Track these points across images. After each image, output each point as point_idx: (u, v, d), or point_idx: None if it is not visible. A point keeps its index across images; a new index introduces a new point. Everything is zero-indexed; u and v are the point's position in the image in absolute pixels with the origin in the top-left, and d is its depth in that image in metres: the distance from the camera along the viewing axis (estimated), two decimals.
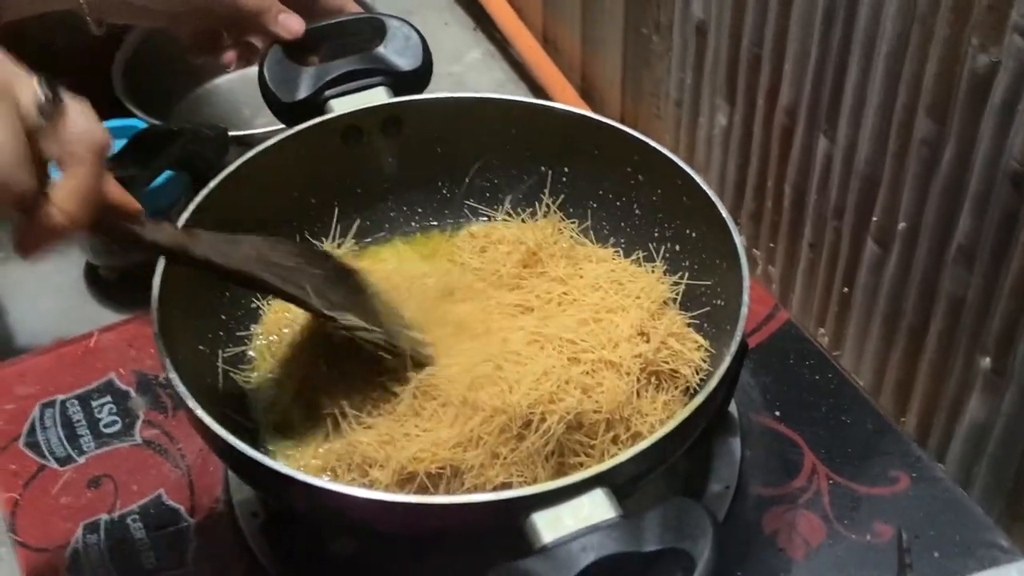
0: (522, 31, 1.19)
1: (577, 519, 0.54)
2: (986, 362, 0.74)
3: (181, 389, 0.59)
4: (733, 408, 0.76)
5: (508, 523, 0.55)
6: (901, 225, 0.78)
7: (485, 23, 1.25)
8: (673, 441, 0.59)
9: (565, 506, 0.55)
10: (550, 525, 0.54)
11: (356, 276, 0.69)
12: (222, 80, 1.13)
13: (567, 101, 1.12)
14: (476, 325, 0.69)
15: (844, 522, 0.71)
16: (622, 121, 1.10)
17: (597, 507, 0.55)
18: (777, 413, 0.77)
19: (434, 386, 0.64)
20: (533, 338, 0.67)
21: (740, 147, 0.93)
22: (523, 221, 0.78)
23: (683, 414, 0.59)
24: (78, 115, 0.55)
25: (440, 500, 0.57)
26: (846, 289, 0.85)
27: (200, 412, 0.59)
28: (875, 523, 0.71)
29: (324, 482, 0.57)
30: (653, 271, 0.74)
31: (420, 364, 0.66)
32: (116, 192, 0.59)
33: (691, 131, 0.99)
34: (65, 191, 0.55)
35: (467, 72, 1.23)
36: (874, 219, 0.80)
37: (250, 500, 0.72)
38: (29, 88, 0.54)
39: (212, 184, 0.71)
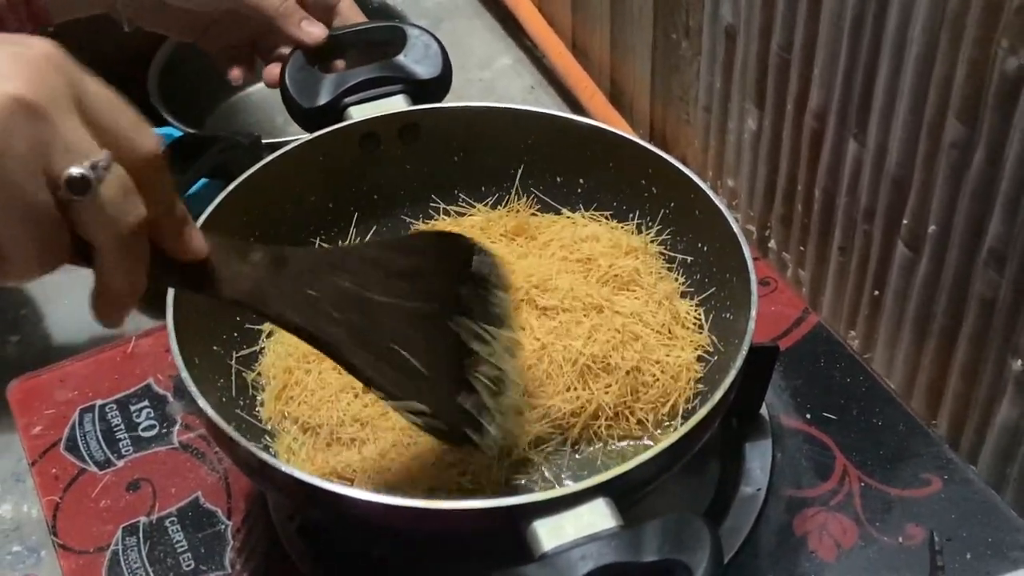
0: (551, 37, 1.19)
1: (578, 527, 0.55)
2: (1018, 364, 0.74)
3: (193, 390, 0.61)
4: (764, 411, 0.77)
5: (510, 530, 0.56)
6: (931, 228, 0.78)
7: (514, 29, 1.26)
8: (675, 452, 0.59)
9: (567, 514, 0.56)
10: (551, 533, 0.55)
11: (482, 292, 0.62)
12: (255, 88, 1.14)
13: (596, 107, 1.13)
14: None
15: (876, 524, 0.71)
16: (651, 127, 1.11)
17: (598, 516, 0.56)
18: (808, 416, 0.78)
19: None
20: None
21: (770, 151, 0.93)
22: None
23: (686, 427, 0.59)
24: (110, 196, 0.47)
25: (444, 505, 0.58)
26: (876, 292, 0.86)
27: (210, 412, 0.60)
28: (907, 525, 0.71)
29: (326, 483, 0.58)
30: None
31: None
32: (181, 244, 0.53)
33: (720, 136, 1.00)
34: (97, 284, 0.50)
35: (497, 78, 1.23)
36: (904, 222, 0.80)
37: (286, 504, 0.73)
38: (68, 155, 0.46)
39: (230, 188, 0.73)
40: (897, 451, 0.75)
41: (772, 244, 0.97)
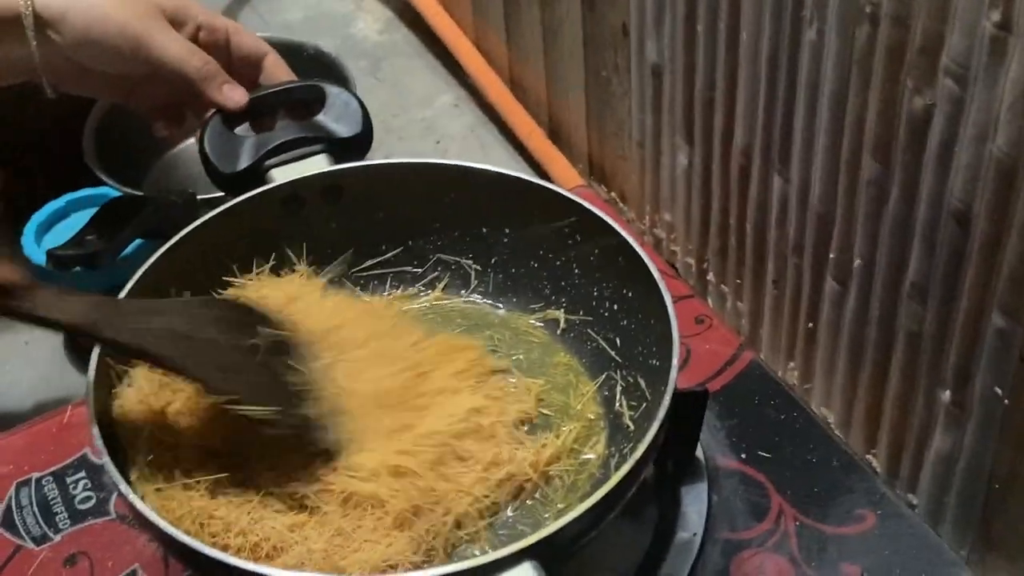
0: (490, 75, 1.20)
1: None
2: (946, 395, 0.75)
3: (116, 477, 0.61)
4: (700, 452, 0.77)
5: None
6: (856, 262, 0.78)
7: (455, 68, 1.26)
8: (603, 508, 0.59)
9: None
10: None
11: (289, 348, 0.69)
12: (191, 143, 1.13)
13: (536, 144, 1.13)
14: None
15: (812, 564, 0.72)
16: (590, 162, 1.12)
17: None
18: (744, 455, 0.78)
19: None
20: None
21: (702, 186, 0.93)
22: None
23: (609, 484, 0.59)
24: None
25: None
26: (811, 324, 0.86)
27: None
28: (843, 564, 0.71)
29: (259, 567, 0.57)
30: None
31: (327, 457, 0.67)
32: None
33: (655, 170, 1.00)
34: None
35: (438, 117, 1.24)
36: (831, 256, 0.81)
37: None
38: None
39: (155, 256, 0.73)
40: (831, 487, 0.75)
41: (711, 276, 0.98)
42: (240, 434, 0.67)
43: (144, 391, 0.69)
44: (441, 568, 0.56)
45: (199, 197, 0.96)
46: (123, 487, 0.60)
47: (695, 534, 0.73)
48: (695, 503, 0.75)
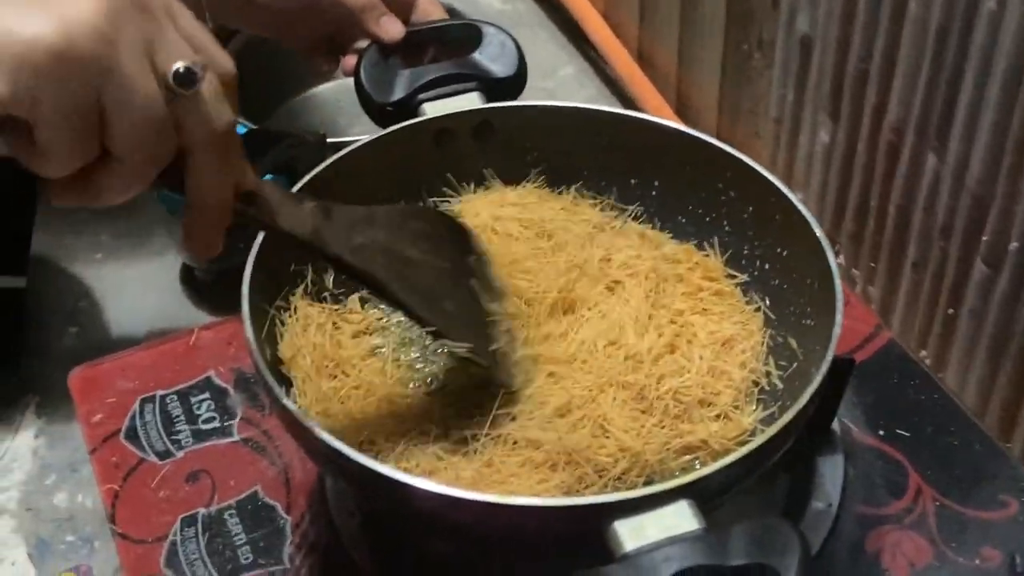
0: (617, 48, 1.18)
1: (660, 529, 0.54)
2: None
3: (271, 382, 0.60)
4: (836, 426, 0.75)
5: (590, 529, 0.54)
6: (1013, 245, 0.76)
7: (578, 39, 1.25)
8: (759, 456, 0.58)
9: (648, 515, 0.54)
10: (633, 533, 0.54)
11: (485, 269, 0.67)
12: (319, 89, 1.14)
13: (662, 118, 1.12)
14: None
15: (952, 545, 0.69)
16: (717, 139, 1.10)
17: (681, 518, 0.54)
18: (881, 432, 0.76)
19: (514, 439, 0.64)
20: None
21: (842, 165, 0.91)
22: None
23: (772, 430, 0.58)
24: (209, 96, 0.51)
25: (520, 501, 0.56)
26: (951, 310, 0.84)
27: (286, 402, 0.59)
28: (983, 547, 0.69)
29: (401, 474, 0.56)
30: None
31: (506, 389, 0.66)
32: (247, 178, 0.56)
33: (790, 149, 0.98)
34: (189, 201, 0.53)
35: (559, 88, 1.22)
36: (984, 239, 0.78)
37: (347, 500, 0.72)
38: (173, 52, 0.50)
39: (303, 181, 0.72)
40: (973, 471, 0.73)
41: (840, 260, 0.96)
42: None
43: (310, 318, 0.69)
44: (600, 497, 0.55)
45: (328, 140, 0.96)
46: (276, 390, 0.59)
47: (831, 505, 0.71)
48: (831, 474, 0.73)
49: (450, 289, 0.65)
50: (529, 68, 1.25)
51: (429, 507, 0.57)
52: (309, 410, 0.64)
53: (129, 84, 0.48)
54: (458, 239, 0.68)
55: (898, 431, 0.76)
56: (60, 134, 0.47)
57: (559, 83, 1.23)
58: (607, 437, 0.63)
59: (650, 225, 0.78)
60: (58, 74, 0.46)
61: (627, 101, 1.17)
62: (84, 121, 0.47)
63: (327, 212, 0.60)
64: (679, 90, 1.14)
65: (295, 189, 0.71)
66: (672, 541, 0.53)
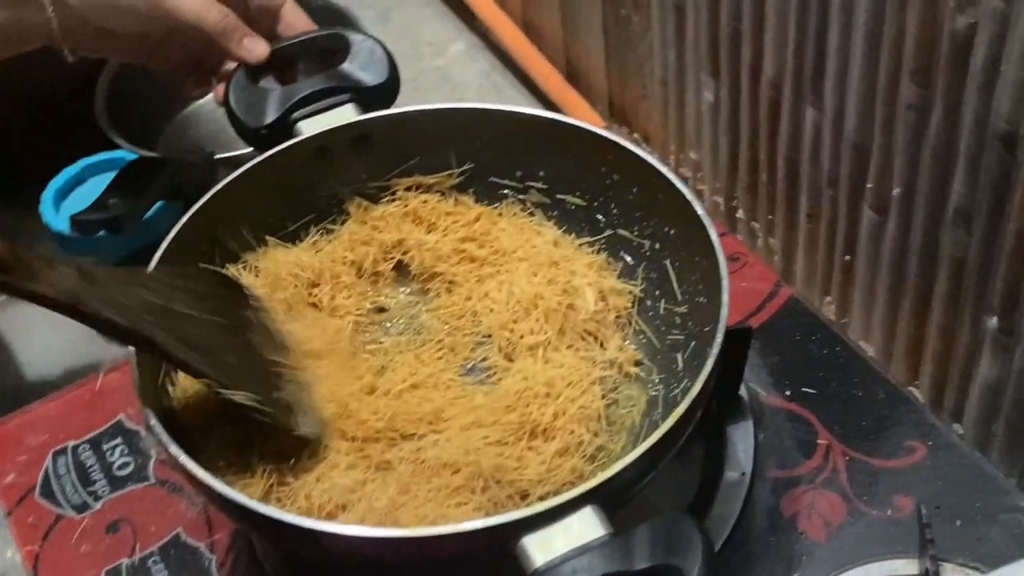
0: (504, 20, 1.18)
1: (567, 540, 0.54)
2: (993, 322, 0.73)
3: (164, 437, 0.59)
4: (744, 392, 0.76)
5: (499, 548, 0.55)
6: (896, 191, 0.77)
7: (466, 15, 1.24)
8: (659, 450, 0.58)
9: (555, 527, 0.54)
10: (541, 548, 0.54)
11: (264, 321, 0.68)
12: (204, 102, 1.12)
13: (553, 87, 1.11)
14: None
15: (864, 498, 0.71)
16: (610, 103, 1.10)
17: (587, 526, 0.55)
18: (788, 392, 0.77)
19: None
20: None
21: (729, 122, 0.92)
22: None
23: (668, 422, 0.58)
24: None
25: (430, 532, 0.55)
26: (848, 257, 0.84)
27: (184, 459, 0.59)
28: (895, 496, 0.70)
29: (307, 520, 0.56)
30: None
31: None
32: None
33: (679, 109, 0.98)
34: None
35: (451, 65, 1.22)
36: (868, 186, 0.79)
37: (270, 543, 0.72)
38: None
39: (186, 216, 0.71)
40: (879, 421, 0.74)
41: (740, 214, 0.96)
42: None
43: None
44: (508, 515, 0.55)
45: (217, 156, 0.95)
46: (173, 448, 0.58)
47: (743, 473, 0.72)
48: (742, 442, 0.74)
49: (229, 343, 0.65)
50: (419, 48, 1.24)
51: (341, 547, 0.57)
52: (213, 460, 0.64)
53: None
54: (231, 295, 0.68)
55: (804, 389, 0.76)
56: None
57: (451, 61, 1.22)
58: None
59: (542, 215, 0.78)
60: None
61: (519, 73, 1.17)
62: None
63: (90, 276, 0.59)
64: (567, 57, 1.13)
65: (183, 220, 0.71)
66: (579, 552, 0.53)
